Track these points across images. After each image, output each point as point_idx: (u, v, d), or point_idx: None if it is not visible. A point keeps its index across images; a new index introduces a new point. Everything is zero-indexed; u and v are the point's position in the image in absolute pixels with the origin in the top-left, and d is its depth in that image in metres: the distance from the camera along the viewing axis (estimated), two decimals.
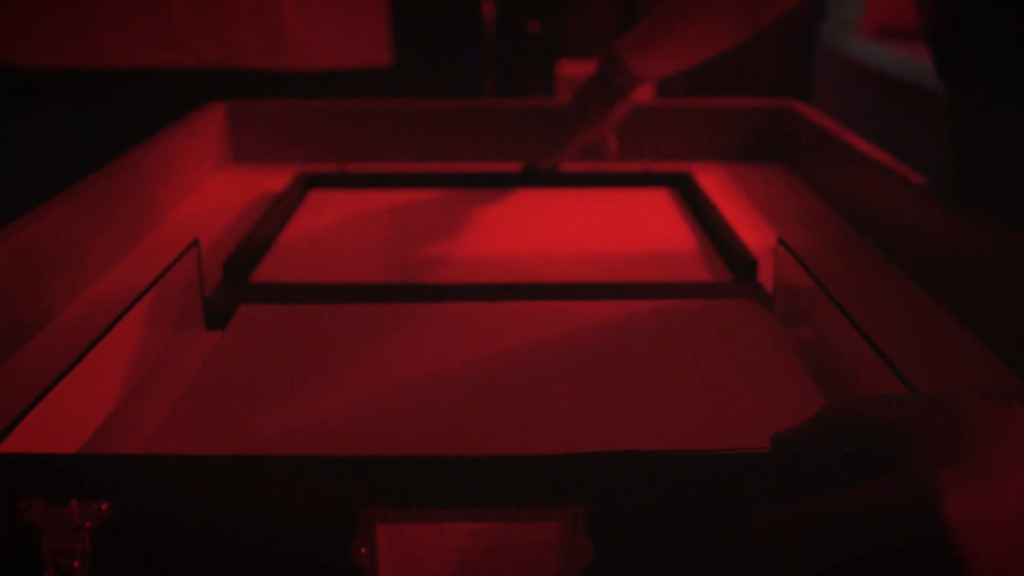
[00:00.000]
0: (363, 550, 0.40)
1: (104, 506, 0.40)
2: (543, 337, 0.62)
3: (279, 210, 0.94)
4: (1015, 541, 0.35)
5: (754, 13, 0.91)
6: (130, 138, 1.00)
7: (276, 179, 1.09)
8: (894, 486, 0.36)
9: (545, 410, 0.53)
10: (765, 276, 0.77)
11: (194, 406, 0.53)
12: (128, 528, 0.40)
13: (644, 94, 0.98)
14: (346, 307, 0.66)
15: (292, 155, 1.20)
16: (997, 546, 0.34)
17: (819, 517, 0.37)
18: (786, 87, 2.17)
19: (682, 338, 0.62)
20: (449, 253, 0.88)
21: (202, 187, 1.11)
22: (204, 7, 1.98)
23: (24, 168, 1.94)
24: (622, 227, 0.95)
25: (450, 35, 2.10)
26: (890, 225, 0.87)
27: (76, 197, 0.80)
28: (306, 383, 0.56)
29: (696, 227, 0.94)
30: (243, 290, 0.76)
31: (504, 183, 1.08)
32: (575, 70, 2.09)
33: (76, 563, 0.40)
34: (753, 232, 0.93)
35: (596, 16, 2.27)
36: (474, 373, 0.57)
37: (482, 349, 0.60)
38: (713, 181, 1.11)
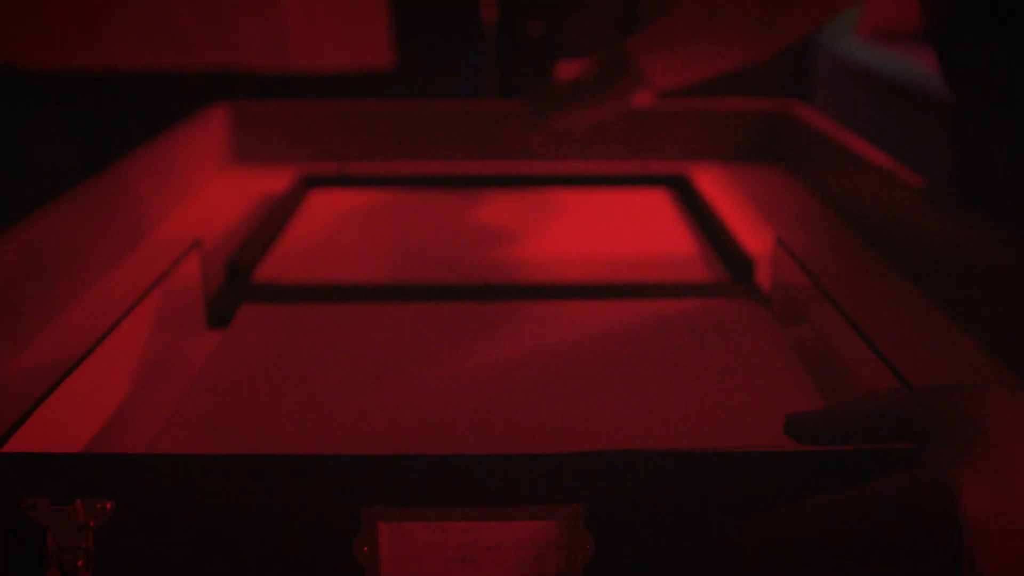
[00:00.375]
0: (365, 548, 0.41)
1: (108, 505, 0.40)
2: (542, 337, 0.62)
3: (281, 210, 0.95)
4: (1018, 555, 0.34)
5: (776, 25, 0.89)
6: (133, 139, 1.00)
7: (278, 180, 1.09)
8: (910, 481, 0.36)
9: (545, 410, 0.53)
10: (763, 276, 0.77)
11: (196, 405, 0.54)
12: (132, 527, 0.41)
13: (645, 99, 0.97)
14: (348, 307, 0.66)
15: (294, 156, 1.20)
16: (1012, 543, 0.34)
17: (832, 515, 0.37)
18: (784, 88, 2.18)
19: (681, 338, 0.62)
20: (449, 253, 0.88)
21: (204, 188, 1.11)
22: (206, 8, 1.98)
23: (26, 169, 1.94)
24: (620, 228, 0.95)
25: (450, 35, 2.10)
26: (888, 226, 0.87)
27: (79, 198, 0.80)
28: (308, 383, 0.56)
29: (694, 228, 0.94)
30: (245, 290, 0.76)
31: (504, 184, 1.08)
32: (575, 70, 2.09)
33: (80, 562, 0.41)
34: (752, 233, 0.93)
35: (596, 16, 2.27)
36: (474, 373, 0.57)
37: (482, 349, 0.60)
38: (712, 182, 1.11)
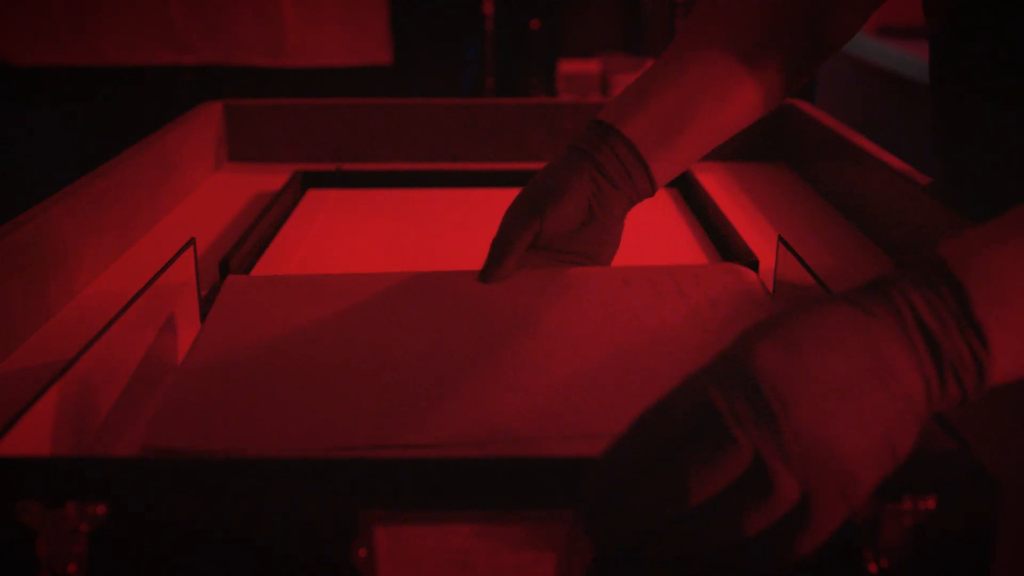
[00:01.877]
0: (362, 552, 0.40)
1: (100, 508, 0.40)
2: (535, 307, 0.61)
3: (276, 209, 0.94)
4: (823, 400, 0.37)
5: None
6: (126, 137, 1.00)
7: (273, 178, 1.08)
8: (715, 363, 0.39)
9: (535, 387, 0.53)
10: (766, 275, 0.76)
11: (186, 394, 0.52)
12: (125, 531, 0.40)
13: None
14: (334, 276, 0.65)
15: (289, 154, 1.19)
16: (807, 400, 0.37)
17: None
18: None
19: (672, 308, 0.62)
20: (447, 253, 0.87)
21: (199, 186, 1.10)
22: (204, 5, 1.98)
23: (19, 167, 1.94)
24: None
25: (450, 34, 2.09)
26: (893, 224, 0.87)
27: (73, 196, 0.79)
28: (298, 364, 0.55)
29: (697, 226, 0.94)
30: None
31: (503, 182, 1.07)
32: (575, 68, 2.09)
33: (72, 567, 0.40)
34: (755, 231, 0.92)
35: (596, 15, 2.27)
36: (463, 348, 0.56)
37: (473, 321, 0.60)
38: (715, 180, 1.11)
